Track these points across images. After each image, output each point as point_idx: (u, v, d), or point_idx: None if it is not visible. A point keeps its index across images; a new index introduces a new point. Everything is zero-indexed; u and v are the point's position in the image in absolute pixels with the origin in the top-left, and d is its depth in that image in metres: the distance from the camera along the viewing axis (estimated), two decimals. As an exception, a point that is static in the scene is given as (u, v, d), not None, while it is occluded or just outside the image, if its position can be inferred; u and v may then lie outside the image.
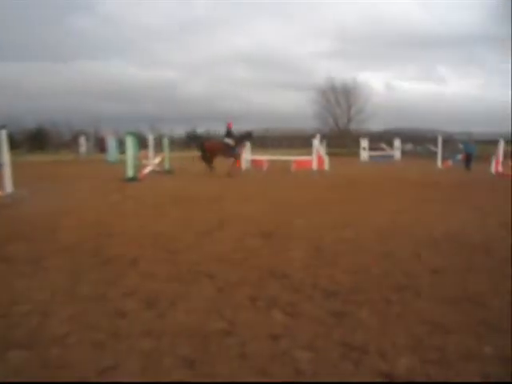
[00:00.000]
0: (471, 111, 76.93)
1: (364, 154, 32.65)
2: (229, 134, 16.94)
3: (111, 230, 5.97)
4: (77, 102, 72.41)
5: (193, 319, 2.99)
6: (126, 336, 2.73)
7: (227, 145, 16.58)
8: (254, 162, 21.13)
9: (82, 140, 35.68)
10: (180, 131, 68.74)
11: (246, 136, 17.98)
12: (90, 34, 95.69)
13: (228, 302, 3.32)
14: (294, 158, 21.98)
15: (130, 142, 14.15)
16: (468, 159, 21.79)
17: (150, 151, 18.12)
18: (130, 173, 13.73)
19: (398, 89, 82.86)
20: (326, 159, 20.25)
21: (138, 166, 15.02)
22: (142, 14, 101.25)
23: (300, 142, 55.97)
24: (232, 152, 16.67)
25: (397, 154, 33.65)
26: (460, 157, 23.38)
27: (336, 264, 4.33)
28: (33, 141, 47.09)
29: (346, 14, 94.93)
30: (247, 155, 21.10)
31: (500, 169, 18.94)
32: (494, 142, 21.92)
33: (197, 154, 17.26)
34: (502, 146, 19.63)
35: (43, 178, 14.88)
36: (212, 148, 16.71)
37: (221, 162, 16.59)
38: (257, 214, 7.29)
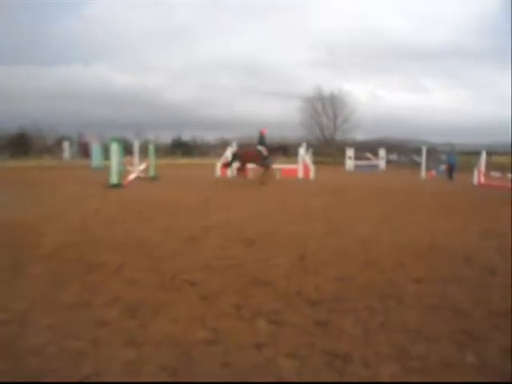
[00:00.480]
0: (453, 123, 78.34)
1: (349, 163, 32.94)
2: (261, 140, 16.64)
3: (94, 236, 5.89)
4: (61, 107, 71.48)
5: (176, 328, 2.95)
6: (107, 345, 2.68)
7: (260, 153, 16.33)
8: (239, 170, 21.12)
9: (66, 145, 35.23)
10: (166, 137, 68.49)
11: (281, 149, 17.77)
12: (75, 38, 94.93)
13: (212, 310, 3.29)
14: (279, 166, 22.05)
15: (114, 148, 14.03)
16: (450, 170, 22.19)
17: (136, 158, 18.00)
18: (114, 179, 13.60)
19: (382, 99, 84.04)
20: (312, 168, 20.38)
21: (123, 173, 14.89)
22: (128, 19, 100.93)
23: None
24: (264, 161, 16.40)
25: (382, 163, 34.04)
26: (443, 167, 23.79)
27: (320, 272, 4.34)
28: (15, 146, 46.31)
29: (332, 24, 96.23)
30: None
31: (482, 179, 19.31)
32: (476, 153, 22.37)
33: (235, 164, 17.04)
34: (484, 157, 20.03)
35: (25, 183, 14.63)
36: (247, 157, 16.51)
37: (209, 172, 16.55)
38: (241, 222, 7.28)
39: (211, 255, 4.96)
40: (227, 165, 17.12)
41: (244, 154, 16.61)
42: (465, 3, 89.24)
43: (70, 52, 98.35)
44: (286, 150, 18.04)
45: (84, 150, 37.24)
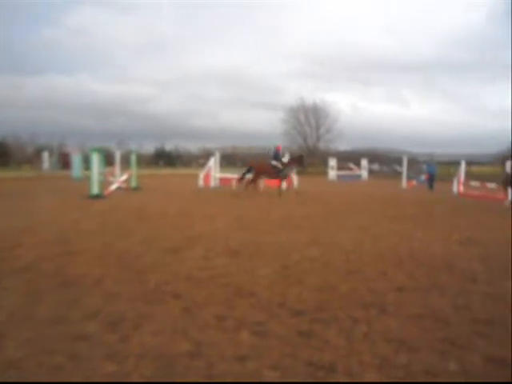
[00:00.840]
0: (434, 134, 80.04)
1: (332, 173, 33.23)
2: (276, 156, 17.11)
3: (74, 248, 5.77)
4: (41, 116, 70.54)
5: (158, 341, 2.90)
6: (86, 359, 2.61)
7: (274, 167, 16.71)
8: (222, 180, 21.10)
9: (45, 156, 34.66)
10: (149, 147, 68.06)
11: (298, 159, 17.96)
12: (58, 47, 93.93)
13: (194, 322, 3.24)
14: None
15: (95, 159, 13.86)
16: (430, 179, 22.59)
17: (117, 168, 17.80)
18: (94, 190, 13.41)
19: (364, 110, 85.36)
20: (295, 178, 20.48)
21: (104, 183, 14.70)
22: (113, 29, 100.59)
23: (268, 160, 56.57)
24: (278, 174, 16.74)
25: (364, 173, 34.44)
26: (424, 177, 24.21)
27: (303, 282, 4.34)
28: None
29: (316, 36, 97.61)
30: (215, 173, 21.07)
31: (462, 189, 19.69)
32: (455, 164, 22.83)
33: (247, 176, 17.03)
34: (463, 167, 20.45)
35: (2, 194, 14.30)
36: (260, 170, 16.80)
37: (192, 182, 16.44)
38: (224, 232, 7.24)
39: (194, 266, 4.91)
40: (241, 178, 17.35)
41: (257, 167, 16.90)
42: (445, 18, 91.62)
43: (52, 62, 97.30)
44: (302, 161, 18.21)
45: (64, 161, 36.67)
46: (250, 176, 16.77)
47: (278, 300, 3.76)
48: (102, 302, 3.65)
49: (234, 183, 20.36)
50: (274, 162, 16.85)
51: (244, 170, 17.49)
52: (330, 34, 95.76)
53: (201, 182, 20.51)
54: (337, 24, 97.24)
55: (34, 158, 40.33)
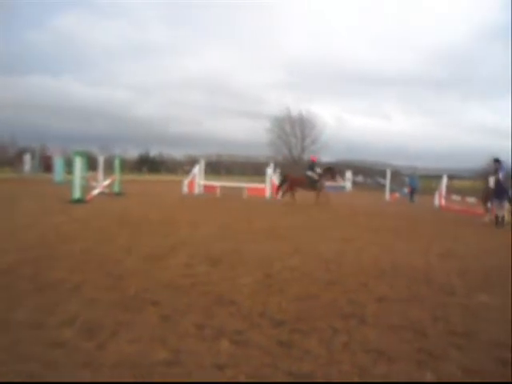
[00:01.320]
0: (416, 147, 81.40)
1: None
2: (311, 167, 17.55)
3: (53, 253, 5.66)
4: (23, 117, 69.38)
5: (135, 349, 2.85)
6: (62, 367, 2.55)
7: (309, 178, 17.12)
8: (206, 187, 21.05)
9: (27, 158, 34.07)
10: (133, 153, 67.52)
11: (330, 171, 18.25)
12: (40, 49, 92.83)
13: (173, 330, 3.20)
14: (247, 185, 22.14)
15: (78, 162, 13.68)
16: (412, 192, 22.94)
17: (100, 172, 17.60)
18: (76, 194, 13.22)
19: (347, 122, 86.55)
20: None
21: (86, 188, 14.51)
22: (96, 32, 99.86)
23: (252, 169, 56.64)
24: (313, 185, 17.10)
25: (348, 185, 34.77)
26: (407, 190, 24.57)
27: (284, 292, 4.33)
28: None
29: (300, 49, 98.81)
30: (200, 180, 21.02)
31: (443, 202, 20.02)
32: (437, 177, 23.26)
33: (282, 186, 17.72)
34: (444, 181, 20.83)
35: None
36: (295, 181, 17.29)
37: (176, 188, 16.35)
38: (207, 240, 7.20)
39: (175, 274, 4.86)
40: (278, 188, 17.96)
41: (292, 179, 17.51)
42: (426, 34, 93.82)
43: (34, 63, 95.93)
44: (334, 173, 18.45)
45: (46, 164, 36.10)
46: (285, 186, 17.37)
47: (259, 309, 3.75)
48: (80, 308, 3.58)
49: (217, 191, 20.31)
50: (309, 173, 17.23)
51: (280, 180, 18.08)
52: (314, 47, 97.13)
53: (185, 189, 20.42)
54: (321, 37, 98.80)
55: (16, 161, 39.59)
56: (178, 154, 74.72)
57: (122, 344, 2.91)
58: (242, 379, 2.50)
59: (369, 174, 53.57)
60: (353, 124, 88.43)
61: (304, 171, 18.20)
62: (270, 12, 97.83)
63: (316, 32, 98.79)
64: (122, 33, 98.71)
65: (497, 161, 12.69)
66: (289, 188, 17.26)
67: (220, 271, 5.09)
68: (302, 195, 17.14)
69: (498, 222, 12.16)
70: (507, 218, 12.61)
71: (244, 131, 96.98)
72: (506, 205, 12.33)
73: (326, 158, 61.40)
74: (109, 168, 20.48)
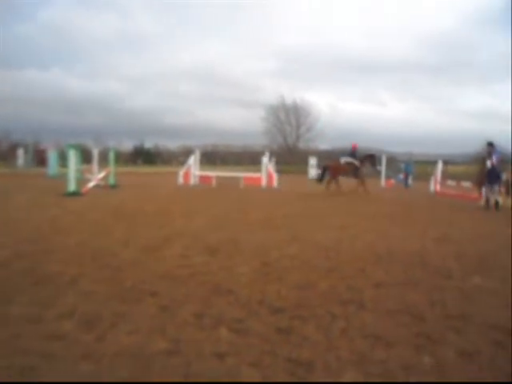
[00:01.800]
0: (411, 134, 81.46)
1: (312, 172, 33.49)
2: (353, 154, 17.20)
3: (49, 246, 5.64)
4: (16, 111, 68.68)
5: (134, 340, 2.85)
6: (61, 359, 2.55)
7: (351, 165, 16.77)
8: (202, 178, 21.00)
9: (20, 152, 33.83)
10: (128, 145, 67.12)
11: (370, 158, 17.98)
12: (31, 42, 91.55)
13: (172, 320, 3.21)
14: (243, 174, 22.12)
15: (72, 155, 13.59)
16: (406, 178, 23.02)
17: (95, 165, 17.50)
18: (71, 187, 13.16)
19: (342, 110, 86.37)
20: (276, 176, 20.55)
21: (81, 181, 14.43)
22: (87, 25, 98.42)
23: (248, 158, 56.53)
24: (355, 172, 16.82)
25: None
26: (402, 176, 24.65)
27: (282, 280, 4.35)
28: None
29: (294, 37, 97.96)
30: (195, 171, 20.97)
31: (438, 188, 20.10)
32: (433, 163, 23.33)
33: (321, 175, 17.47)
34: (440, 166, 20.88)
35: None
36: (336, 169, 16.90)
37: (172, 180, 16.29)
38: (203, 230, 7.20)
39: (172, 264, 4.86)
40: (320, 179, 17.42)
41: (332, 167, 17.05)
42: (420, 20, 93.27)
43: (24, 56, 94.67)
44: (374, 160, 18.23)
45: (40, 158, 35.84)
46: (327, 176, 17.02)
47: (258, 297, 3.76)
48: (78, 300, 3.58)
49: (213, 181, 20.27)
50: (349, 159, 16.90)
51: (321, 171, 17.72)
52: (308, 35, 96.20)
53: (180, 180, 20.39)
54: (315, 26, 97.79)
55: (9, 155, 39.31)
56: (173, 145, 74.51)
57: (121, 335, 2.91)
58: (243, 367, 2.52)
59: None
60: (348, 111, 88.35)
61: (338, 158, 17.92)
62: (265, 2, 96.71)
63: (311, 21, 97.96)
64: (115, 24, 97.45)
65: (490, 144, 12.71)
66: (332, 177, 16.96)
67: (217, 261, 5.09)
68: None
69: (489, 205, 12.20)
70: (502, 201, 12.68)
71: (240, 120, 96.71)
72: (497, 189, 12.36)
73: (322, 145, 61.49)
74: (103, 160, 20.37)
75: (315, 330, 3.07)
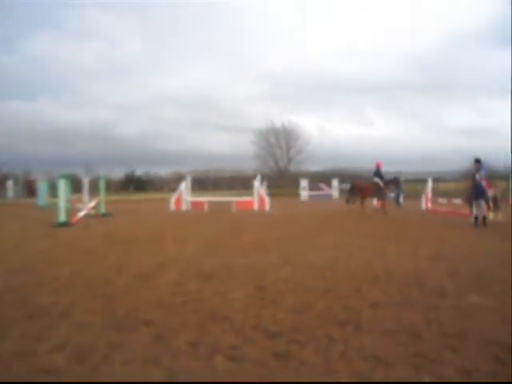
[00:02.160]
0: (398, 152, 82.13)
1: (304, 194, 33.64)
2: (378, 173, 16.83)
3: (40, 277, 5.54)
4: (3, 143, 68.30)
5: (129, 370, 2.79)
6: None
7: (377, 186, 16.49)
8: (194, 203, 20.97)
9: (10, 184, 33.64)
10: (119, 173, 67.00)
11: (393, 181, 17.86)
12: (16, 73, 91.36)
13: (167, 349, 3.15)
14: (235, 198, 22.13)
15: (62, 185, 13.53)
16: (398, 196, 23.17)
17: (85, 194, 17.41)
18: (62, 217, 13.05)
19: (330, 131, 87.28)
20: (267, 199, 20.58)
21: (71, 210, 14.32)
22: (70, 54, 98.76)
23: (240, 182, 56.67)
24: (381, 193, 16.55)
25: (335, 193, 35.01)
26: (393, 195, 24.80)
27: (277, 303, 4.30)
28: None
29: (279, 62, 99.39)
30: (187, 197, 20.94)
31: (430, 205, 20.23)
32: (423, 181, 23.55)
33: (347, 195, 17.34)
34: (430, 184, 21.07)
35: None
36: (364, 189, 16.59)
37: (164, 206, 16.20)
38: (196, 256, 7.14)
39: (166, 292, 4.80)
40: (348, 200, 17.12)
41: (362, 189, 16.71)
42: (406, 41, 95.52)
43: (10, 88, 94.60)
44: (399, 184, 18.10)
45: (30, 188, 35.63)
46: (353, 197, 16.74)
47: (253, 322, 3.71)
48: (71, 332, 3.50)
49: (205, 207, 20.24)
50: (375, 179, 16.66)
51: (349, 190, 17.45)
52: (293, 61, 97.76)
53: (172, 206, 20.33)
54: (299, 48, 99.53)
55: (-2, 187, 39.01)
56: (164, 171, 74.42)
57: (115, 366, 2.85)
58: (240, 395, 2.47)
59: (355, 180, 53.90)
60: (336, 132, 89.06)
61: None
62: (253, 27, 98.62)
63: (294, 44, 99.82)
64: (100, 52, 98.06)
65: (477, 161, 12.88)
66: (363, 197, 16.65)
67: (211, 287, 5.04)
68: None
69: (478, 221, 12.27)
70: (490, 216, 12.76)
71: (229, 145, 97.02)
72: (483, 204, 12.44)
73: (313, 167, 61.93)
74: (95, 189, 20.28)
75: (313, 354, 3.03)
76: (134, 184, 63.53)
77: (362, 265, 6.27)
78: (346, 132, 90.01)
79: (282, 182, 53.42)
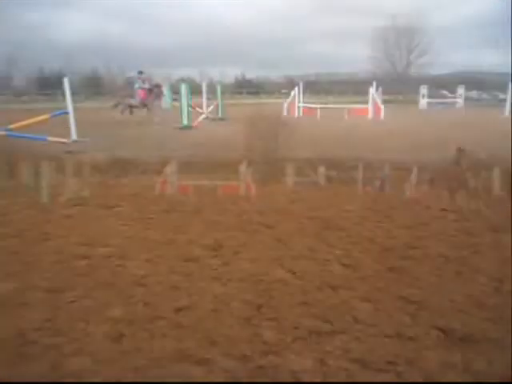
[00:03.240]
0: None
1: (423, 102, 31.13)
2: None
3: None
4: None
5: (256, 266, 3.17)
6: None
7: None
8: (305, 110, 21.05)
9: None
10: (229, 75, 67.77)
11: None
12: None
13: (288, 251, 3.47)
14: (348, 106, 21.49)
15: (183, 90, 14.34)
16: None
17: (204, 99, 18.18)
18: (185, 121, 14.06)
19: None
20: (382, 108, 19.59)
21: (192, 114, 15.22)
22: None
23: (352, 87, 53.66)
24: None
25: (460, 101, 31.75)
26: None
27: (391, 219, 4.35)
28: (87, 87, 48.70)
29: None
30: (299, 103, 20.89)
31: None
32: None
33: None
34: None
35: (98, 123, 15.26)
36: None
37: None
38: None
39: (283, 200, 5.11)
40: None
41: None
42: None
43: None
44: None
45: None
46: None
47: (368, 235, 3.86)
48: (205, 229, 4.02)
49: (318, 113, 19.99)
50: None
51: None
52: None
53: (285, 112, 20.53)
54: None
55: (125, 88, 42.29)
56: (275, 75, 73.49)
57: (245, 262, 3.26)
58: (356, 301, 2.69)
59: (484, 88, 47.60)
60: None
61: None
62: None
63: None
64: None
65: None
66: None
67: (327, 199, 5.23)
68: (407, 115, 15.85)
69: None
70: None
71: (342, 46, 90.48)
72: None
73: (437, 70, 55.80)
74: (210, 93, 20.94)
75: (428, 272, 3.11)
76: (246, 88, 64.16)
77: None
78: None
79: (398, 87, 49.47)
